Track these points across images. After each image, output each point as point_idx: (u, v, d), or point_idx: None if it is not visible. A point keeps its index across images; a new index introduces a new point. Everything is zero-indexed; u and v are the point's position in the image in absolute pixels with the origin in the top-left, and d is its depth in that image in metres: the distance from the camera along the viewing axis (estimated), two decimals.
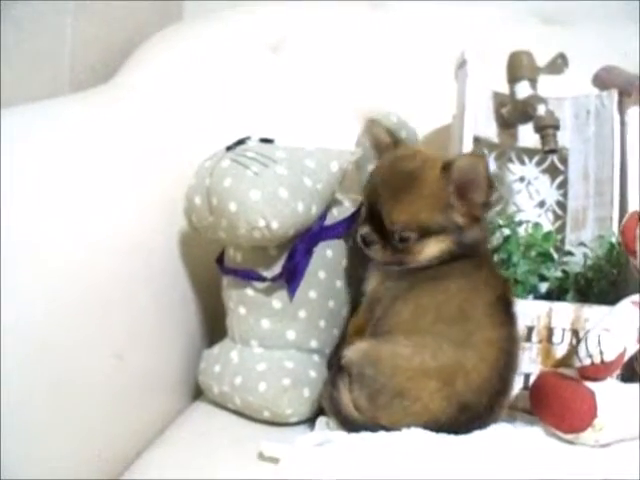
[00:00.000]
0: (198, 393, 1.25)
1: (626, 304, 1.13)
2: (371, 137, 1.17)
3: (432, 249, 1.08)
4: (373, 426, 1.03)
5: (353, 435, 1.03)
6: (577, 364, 1.08)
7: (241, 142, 1.17)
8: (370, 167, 1.19)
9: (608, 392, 1.06)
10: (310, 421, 1.14)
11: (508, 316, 1.08)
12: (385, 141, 1.14)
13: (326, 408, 1.09)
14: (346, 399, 1.06)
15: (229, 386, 1.16)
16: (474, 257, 1.11)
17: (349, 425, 1.05)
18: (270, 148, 1.16)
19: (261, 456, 1.01)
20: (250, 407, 1.14)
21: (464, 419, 1.04)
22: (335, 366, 1.12)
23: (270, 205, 1.08)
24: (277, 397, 1.12)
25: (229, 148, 1.16)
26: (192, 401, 1.26)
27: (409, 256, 1.08)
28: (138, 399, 1.13)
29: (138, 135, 1.28)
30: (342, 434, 1.05)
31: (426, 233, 1.07)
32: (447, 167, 1.06)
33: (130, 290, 1.13)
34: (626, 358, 1.09)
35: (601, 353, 1.05)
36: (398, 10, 1.56)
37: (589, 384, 1.06)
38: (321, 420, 1.12)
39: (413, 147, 1.20)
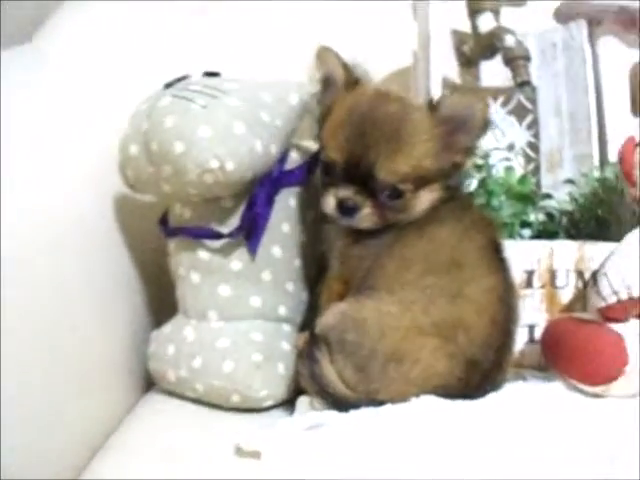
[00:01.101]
0: (149, 383, 0.97)
1: (633, 238, 0.93)
2: (324, 70, 0.89)
3: (425, 200, 0.85)
4: (371, 402, 0.78)
5: (349, 414, 0.77)
6: (600, 304, 0.86)
7: (182, 78, 0.91)
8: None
9: (634, 334, 0.84)
10: (288, 403, 0.88)
11: (501, 261, 0.85)
12: (340, 77, 0.88)
13: (308, 389, 0.83)
14: (331, 374, 0.81)
15: (187, 370, 0.89)
16: (459, 199, 0.89)
17: (341, 406, 0.79)
18: (218, 81, 0.90)
19: (239, 452, 0.75)
20: (215, 392, 0.88)
21: (475, 378, 0.80)
22: (310, 337, 0.85)
23: (223, 143, 0.82)
24: (247, 376, 0.86)
25: (168, 85, 0.89)
26: (142, 394, 0.97)
27: (402, 214, 0.84)
28: (79, 394, 0.86)
29: (59, 98, 1.00)
30: (334, 414, 0.78)
31: (421, 183, 0.83)
32: (435, 106, 0.84)
33: (57, 264, 0.86)
34: None
35: (628, 287, 0.84)
36: None
37: (614, 326, 0.85)
38: (302, 400, 0.85)
39: (377, 86, 0.93)
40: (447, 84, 1.15)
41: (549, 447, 0.73)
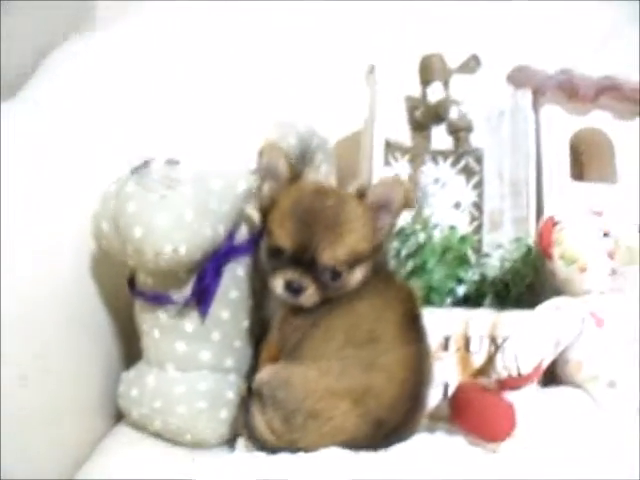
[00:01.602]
0: (120, 416, 1.15)
1: (544, 311, 1.07)
2: (266, 163, 1.03)
3: (359, 276, 1.00)
4: (291, 449, 0.95)
5: (272, 457, 0.94)
6: (494, 376, 1.01)
7: (145, 164, 1.06)
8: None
9: (527, 401, 1.00)
10: (230, 442, 1.05)
11: (417, 331, 1.01)
12: (284, 172, 1.02)
13: (242, 434, 1.01)
14: (261, 424, 0.98)
15: (148, 409, 1.07)
16: (382, 272, 1.04)
17: (267, 449, 0.96)
18: (175, 170, 1.05)
19: None
20: (171, 430, 1.06)
21: (381, 435, 0.96)
22: (246, 391, 1.04)
23: (177, 230, 0.98)
24: (194, 420, 1.04)
25: (133, 171, 1.05)
26: (115, 423, 1.15)
27: (339, 290, 1.00)
28: (52, 424, 1.03)
29: (45, 152, 1.15)
30: (261, 456, 0.96)
31: (355, 263, 0.99)
32: (362, 194, 1.00)
33: (37, 309, 1.02)
34: (544, 367, 1.03)
35: (518, 367, 0.99)
36: (308, 12, 1.46)
37: (507, 394, 1.00)
38: (241, 441, 1.03)
39: (315, 180, 1.09)
40: (389, 147, 1.26)
41: None
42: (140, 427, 1.10)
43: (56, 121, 1.21)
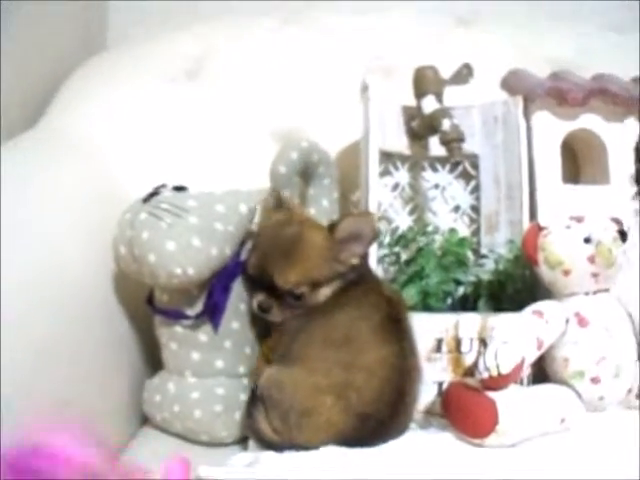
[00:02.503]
0: (146, 419, 1.29)
1: (526, 314, 1.18)
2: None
3: (325, 293, 1.16)
4: (292, 446, 1.09)
5: (278, 455, 1.08)
6: (477, 376, 1.12)
7: (155, 193, 1.21)
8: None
9: (509, 399, 1.10)
10: (245, 440, 1.19)
11: (399, 332, 1.13)
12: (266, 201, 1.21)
13: (249, 436, 1.16)
14: (264, 426, 1.13)
15: (169, 413, 1.22)
16: (362, 284, 1.17)
17: (271, 448, 1.11)
18: (182, 197, 1.20)
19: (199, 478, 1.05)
20: (190, 431, 1.21)
21: (368, 429, 1.09)
22: (249, 396, 1.19)
23: (185, 254, 1.13)
24: (211, 422, 1.19)
25: (145, 200, 1.20)
26: (141, 426, 1.29)
27: (305, 306, 1.15)
28: None
29: (69, 180, 1.29)
30: (270, 454, 1.10)
31: (317, 284, 1.15)
32: (332, 228, 1.15)
33: (70, 336, 1.13)
34: (526, 366, 1.13)
35: (497, 366, 1.09)
36: (308, 26, 1.57)
37: (490, 393, 1.10)
38: (253, 441, 1.18)
39: (290, 211, 1.21)
40: (388, 158, 1.37)
41: None
42: (163, 430, 1.25)
43: (81, 144, 1.36)
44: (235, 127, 1.50)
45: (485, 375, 1.11)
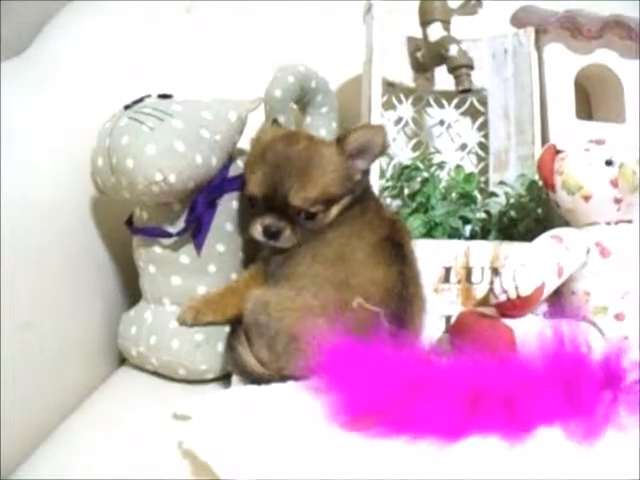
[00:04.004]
0: (124, 359, 1.16)
1: (545, 238, 1.05)
2: None
3: (335, 213, 1.02)
4: (280, 378, 0.95)
5: (263, 388, 0.94)
6: (493, 301, 1.00)
7: (140, 100, 1.08)
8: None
9: (527, 328, 0.97)
10: (227, 377, 1.04)
11: (399, 257, 1.00)
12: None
13: (232, 371, 1.01)
14: (248, 357, 0.99)
15: (145, 346, 1.07)
16: (360, 203, 1.05)
17: (259, 382, 0.96)
18: (167, 103, 1.06)
19: (175, 415, 0.91)
20: (166, 366, 1.06)
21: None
22: (230, 328, 1.04)
23: (166, 158, 0.99)
24: (190, 353, 1.04)
25: (127, 107, 1.07)
26: (118, 366, 1.16)
27: (317, 227, 1.01)
28: (56, 368, 1.03)
29: (49, 103, 1.18)
30: (253, 388, 0.95)
31: (330, 203, 1.01)
32: (342, 140, 1.02)
33: (38, 256, 1.02)
34: (546, 293, 1.01)
35: (516, 288, 0.97)
36: None
37: (507, 321, 0.98)
38: (236, 377, 1.02)
39: (285, 128, 1.11)
40: (393, 88, 1.28)
41: None
42: (139, 368, 1.10)
43: (65, 71, 1.24)
44: (234, 61, 1.39)
45: (502, 298, 0.99)
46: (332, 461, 0.78)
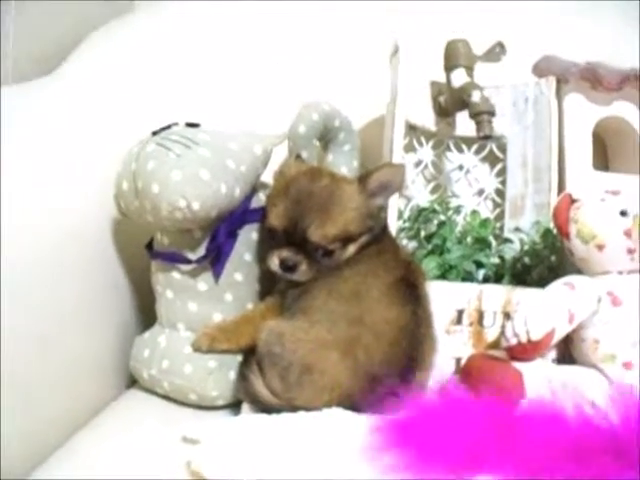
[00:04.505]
0: (134, 381, 1.17)
1: (557, 285, 1.07)
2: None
3: (352, 251, 1.04)
4: (291, 408, 0.96)
5: (273, 417, 0.95)
6: (504, 344, 1.01)
7: (167, 127, 1.11)
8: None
9: (537, 372, 0.99)
10: (237, 405, 1.05)
11: (413, 298, 1.01)
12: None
13: (245, 400, 1.03)
14: (259, 387, 1.00)
15: (157, 370, 1.09)
16: (377, 243, 1.06)
17: (268, 411, 0.97)
18: (194, 131, 1.09)
19: (184, 439, 0.93)
20: (177, 390, 1.07)
21: (377, 393, 0.95)
22: (243, 357, 1.06)
23: (191, 186, 1.01)
24: (202, 379, 1.05)
25: (155, 133, 1.10)
26: (127, 388, 1.18)
27: (334, 263, 1.03)
28: (65, 385, 1.05)
29: (75, 124, 1.19)
30: (263, 416, 0.96)
31: (348, 241, 1.03)
32: (364, 178, 1.04)
33: (58, 274, 1.05)
34: (556, 339, 1.02)
35: (527, 332, 0.99)
36: None
37: (517, 364, 1.00)
38: (246, 405, 1.03)
39: (308, 164, 1.14)
40: (414, 131, 1.30)
41: None
42: (149, 390, 1.12)
43: (90, 94, 1.26)
44: (259, 95, 1.42)
45: (513, 342, 1.00)
46: None
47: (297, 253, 1.02)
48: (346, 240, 1.03)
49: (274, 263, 1.04)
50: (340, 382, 0.96)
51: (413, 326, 1.00)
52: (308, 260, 1.03)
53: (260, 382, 1.00)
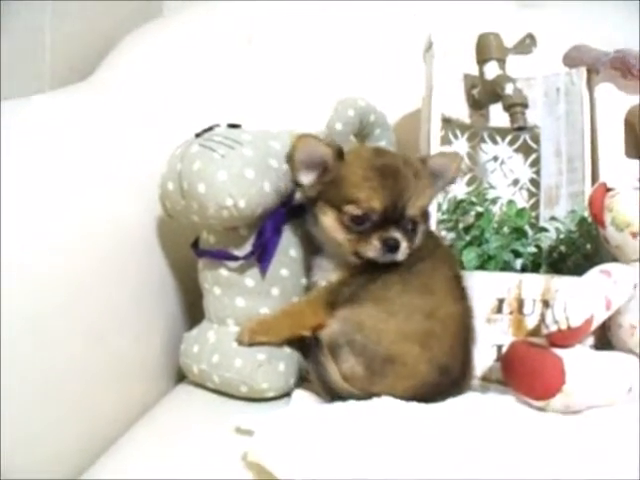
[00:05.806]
0: (182, 377, 1.23)
1: (594, 273, 1.10)
2: (307, 155, 1.07)
3: (420, 237, 1.09)
4: (363, 395, 1.01)
5: (325, 407, 1.01)
6: (544, 331, 1.05)
7: (209, 129, 1.16)
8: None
9: (577, 358, 1.03)
10: (288, 396, 1.11)
11: (462, 291, 1.08)
12: (327, 153, 1.07)
13: (316, 387, 1.06)
14: (334, 374, 1.03)
15: (207, 364, 1.13)
16: (430, 237, 1.12)
17: (340, 398, 1.01)
18: (237, 132, 1.14)
19: (238, 430, 0.97)
20: (228, 383, 1.12)
21: (447, 383, 1.03)
22: (313, 345, 1.07)
23: (237, 185, 1.06)
24: (252, 372, 1.10)
25: (198, 135, 1.15)
26: (176, 384, 1.23)
27: (415, 245, 1.08)
28: (118, 382, 1.11)
29: (116, 129, 1.26)
30: (315, 407, 1.02)
31: (422, 218, 1.09)
32: (425, 161, 1.10)
33: (111, 278, 1.10)
34: (594, 325, 1.06)
35: (567, 319, 1.02)
36: None
37: (557, 350, 1.03)
38: (297, 394, 1.10)
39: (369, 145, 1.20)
40: (449, 124, 1.33)
41: (488, 450, 0.91)
42: (199, 385, 1.17)
43: (129, 97, 1.32)
44: (295, 92, 1.46)
45: (553, 329, 1.03)
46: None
47: (397, 231, 1.05)
48: (422, 216, 1.08)
49: (375, 247, 1.05)
50: (418, 373, 1.02)
51: (467, 320, 1.07)
52: (406, 237, 1.06)
53: (334, 368, 1.03)
